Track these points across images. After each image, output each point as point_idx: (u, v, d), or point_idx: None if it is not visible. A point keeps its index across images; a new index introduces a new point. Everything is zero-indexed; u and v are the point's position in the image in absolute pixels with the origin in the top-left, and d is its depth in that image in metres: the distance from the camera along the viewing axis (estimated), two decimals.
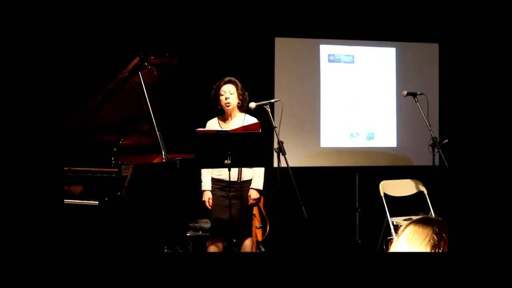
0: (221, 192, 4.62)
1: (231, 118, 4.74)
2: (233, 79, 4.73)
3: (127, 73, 4.50)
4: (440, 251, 1.64)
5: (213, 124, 4.76)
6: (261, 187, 4.70)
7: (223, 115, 4.78)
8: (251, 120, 4.71)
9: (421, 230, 1.68)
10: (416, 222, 1.72)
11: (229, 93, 4.67)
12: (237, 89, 4.69)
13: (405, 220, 5.47)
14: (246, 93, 4.74)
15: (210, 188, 4.70)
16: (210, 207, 4.69)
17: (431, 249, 1.64)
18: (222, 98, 4.68)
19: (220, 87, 4.70)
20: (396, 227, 5.44)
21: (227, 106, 4.67)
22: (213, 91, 4.75)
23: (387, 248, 1.66)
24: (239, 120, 4.70)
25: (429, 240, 1.65)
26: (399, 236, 1.73)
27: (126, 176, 4.27)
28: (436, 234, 1.66)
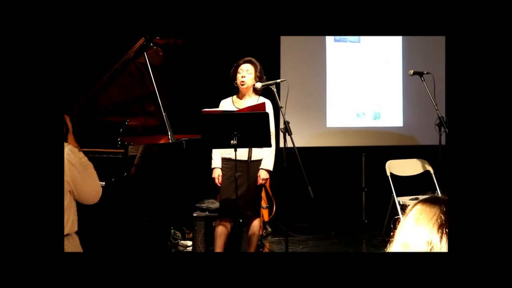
0: (230, 171, 4.61)
1: (245, 99, 4.71)
2: (253, 59, 4.71)
3: (132, 54, 4.50)
4: (447, 230, 1.64)
5: (227, 103, 4.74)
6: (271, 168, 4.68)
7: (238, 94, 4.76)
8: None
9: (428, 209, 1.68)
10: (423, 201, 1.72)
11: (247, 73, 4.64)
12: (255, 70, 4.66)
13: (411, 199, 5.48)
14: (264, 77, 4.70)
15: (220, 166, 4.69)
16: (219, 184, 4.69)
17: (438, 228, 1.64)
18: (239, 76, 4.66)
19: (239, 65, 4.68)
20: (403, 207, 5.45)
21: (242, 85, 4.65)
22: (233, 68, 4.73)
23: (394, 227, 1.66)
24: (253, 102, 4.67)
25: (437, 219, 1.65)
26: (406, 216, 1.73)
27: (133, 156, 4.28)
28: (444, 213, 1.65)
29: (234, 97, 4.77)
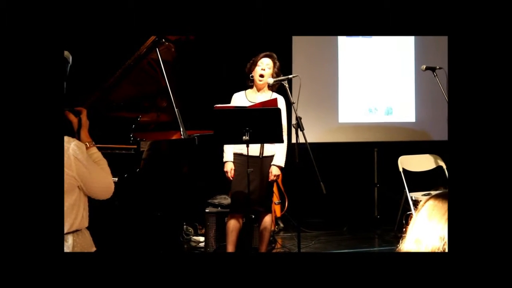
0: (242, 167, 4.59)
1: (258, 93, 4.69)
2: (274, 55, 4.69)
3: (144, 50, 4.51)
4: None
5: (240, 96, 4.73)
6: (282, 164, 4.66)
7: (252, 89, 4.74)
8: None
9: (441, 204, 1.68)
10: (436, 196, 1.72)
11: (267, 67, 4.63)
12: (274, 66, 4.65)
13: (424, 195, 5.46)
14: (281, 75, 4.68)
15: (232, 159, 4.68)
16: (231, 178, 4.68)
17: None
18: (258, 69, 4.64)
19: (260, 58, 4.65)
20: (415, 202, 5.43)
21: (260, 79, 4.62)
22: (250, 62, 4.71)
23: (407, 223, 1.66)
24: (266, 97, 4.65)
25: None
26: (418, 211, 1.73)
27: (145, 152, 4.29)
28: None
29: (248, 90, 4.75)
